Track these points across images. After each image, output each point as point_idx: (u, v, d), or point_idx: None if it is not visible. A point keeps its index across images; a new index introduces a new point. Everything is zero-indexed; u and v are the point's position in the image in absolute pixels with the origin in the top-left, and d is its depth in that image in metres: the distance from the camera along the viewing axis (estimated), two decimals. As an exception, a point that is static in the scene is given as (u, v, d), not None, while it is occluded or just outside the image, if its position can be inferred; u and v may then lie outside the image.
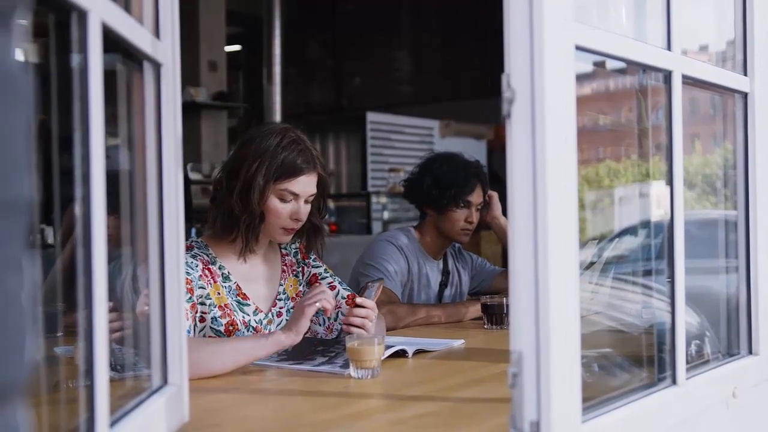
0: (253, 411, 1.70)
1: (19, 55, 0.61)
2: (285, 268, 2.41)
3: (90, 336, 1.02)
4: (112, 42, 1.12)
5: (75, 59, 1.02)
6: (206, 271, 2.20)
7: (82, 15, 1.00)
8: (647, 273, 2.01)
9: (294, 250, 2.46)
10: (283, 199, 2.23)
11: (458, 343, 2.40)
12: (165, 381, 1.39)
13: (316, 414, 1.62)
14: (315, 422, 1.55)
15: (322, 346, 2.18)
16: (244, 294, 2.27)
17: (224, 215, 2.24)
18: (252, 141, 2.24)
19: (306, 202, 2.27)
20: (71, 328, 1.24)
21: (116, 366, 1.39)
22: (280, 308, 2.35)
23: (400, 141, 8.38)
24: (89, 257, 1.02)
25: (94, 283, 1.02)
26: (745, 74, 1.86)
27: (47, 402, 1.19)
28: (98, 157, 1.02)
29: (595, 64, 1.55)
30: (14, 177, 0.57)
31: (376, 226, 7.43)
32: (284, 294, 2.38)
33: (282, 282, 2.39)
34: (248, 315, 2.25)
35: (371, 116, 8.25)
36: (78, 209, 1.01)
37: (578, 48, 1.28)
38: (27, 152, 0.59)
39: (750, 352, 1.86)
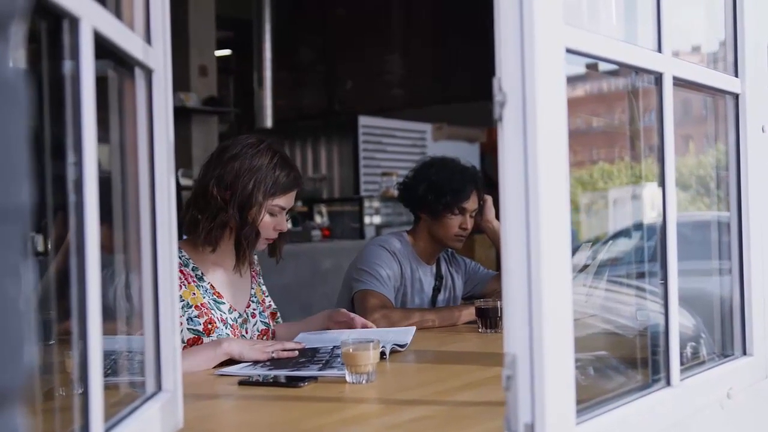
0: (247, 417, 1.69)
1: (16, 63, 0.61)
2: (254, 274, 2.53)
3: (84, 343, 1.01)
4: (103, 48, 1.11)
5: (66, 66, 1.02)
6: (179, 274, 2.24)
7: (74, 22, 1.00)
8: (641, 275, 2.01)
9: (256, 260, 2.58)
10: (272, 214, 2.34)
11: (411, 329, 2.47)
12: (159, 387, 1.39)
13: (311, 419, 1.61)
14: (311, 428, 1.55)
15: (305, 357, 2.14)
16: (219, 293, 2.35)
17: (218, 228, 2.30)
18: (239, 157, 2.30)
19: (287, 213, 2.40)
20: (64, 335, 1.23)
21: (107, 371, 1.38)
22: (253, 310, 2.46)
23: (393, 145, 8.37)
24: (82, 264, 1.01)
25: (87, 291, 1.01)
26: (736, 75, 1.86)
27: (41, 410, 1.19)
28: (91, 164, 1.02)
29: (588, 66, 1.56)
30: (13, 184, 0.57)
31: (369, 231, 7.41)
32: (255, 297, 2.49)
33: (253, 286, 2.50)
34: (224, 313, 2.33)
35: (363, 120, 8.24)
36: (71, 216, 1.01)
37: (569, 51, 1.28)
38: (25, 159, 0.59)
39: (744, 353, 1.86)
